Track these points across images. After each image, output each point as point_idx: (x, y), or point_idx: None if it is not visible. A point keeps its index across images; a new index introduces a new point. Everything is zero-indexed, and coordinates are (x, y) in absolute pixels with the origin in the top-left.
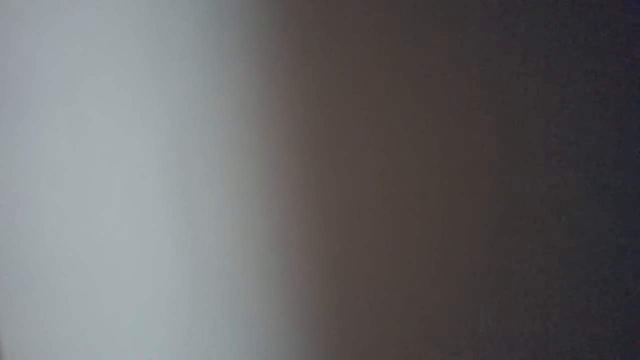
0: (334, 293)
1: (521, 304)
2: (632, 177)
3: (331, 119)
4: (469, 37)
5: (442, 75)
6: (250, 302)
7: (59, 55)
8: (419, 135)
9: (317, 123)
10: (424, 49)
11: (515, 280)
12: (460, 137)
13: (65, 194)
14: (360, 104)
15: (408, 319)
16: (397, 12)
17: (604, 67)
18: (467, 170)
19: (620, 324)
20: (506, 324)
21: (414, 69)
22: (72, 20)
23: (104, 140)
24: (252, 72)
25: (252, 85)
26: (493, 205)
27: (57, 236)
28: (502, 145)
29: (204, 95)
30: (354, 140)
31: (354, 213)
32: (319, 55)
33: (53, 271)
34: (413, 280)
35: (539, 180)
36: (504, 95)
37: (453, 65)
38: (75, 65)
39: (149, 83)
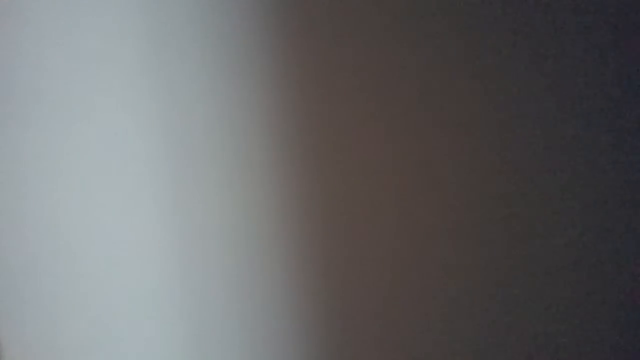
0: (336, 294)
1: (525, 306)
2: (633, 177)
3: (334, 119)
4: (471, 38)
5: (446, 77)
6: (251, 303)
7: (60, 55)
8: (423, 136)
9: (320, 123)
10: (429, 50)
11: (518, 282)
12: (463, 138)
13: (66, 193)
14: (364, 104)
15: (411, 320)
16: (401, 13)
17: (603, 67)
18: (469, 171)
19: (621, 324)
20: (509, 325)
21: (418, 70)
22: (73, 20)
23: (104, 139)
24: (252, 70)
25: (253, 83)
26: (496, 206)
27: (57, 236)
28: (506, 146)
29: (204, 94)
30: (357, 139)
31: (357, 212)
32: (322, 56)
33: (53, 271)
34: (416, 281)
35: (540, 182)
36: (507, 96)
37: (456, 66)
38: (76, 65)
39: (149, 80)
